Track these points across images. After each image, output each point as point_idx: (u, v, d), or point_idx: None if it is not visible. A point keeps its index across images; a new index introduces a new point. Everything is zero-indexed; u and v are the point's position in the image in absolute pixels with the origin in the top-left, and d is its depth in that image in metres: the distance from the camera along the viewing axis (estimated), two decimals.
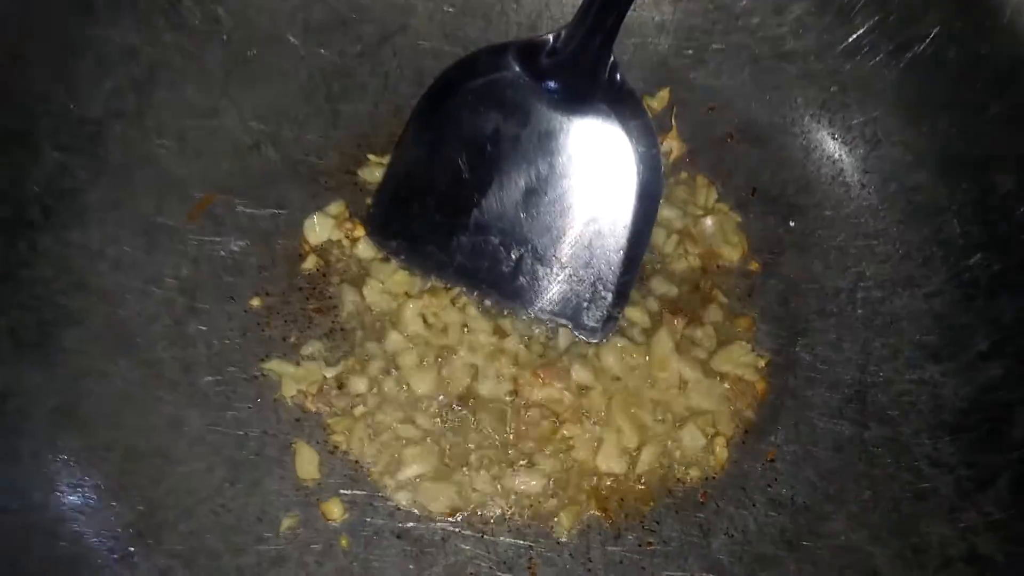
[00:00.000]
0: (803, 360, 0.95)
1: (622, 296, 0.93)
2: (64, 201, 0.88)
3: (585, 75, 0.88)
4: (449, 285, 0.94)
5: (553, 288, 0.93)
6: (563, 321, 0.93)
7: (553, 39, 0.88)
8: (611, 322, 0.93)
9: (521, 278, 0.93)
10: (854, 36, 1.00)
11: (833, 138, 1.04)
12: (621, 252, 0.92)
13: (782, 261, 1.00)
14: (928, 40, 0.95)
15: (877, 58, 1.00)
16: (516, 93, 0.90)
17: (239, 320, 0.92)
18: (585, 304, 0.93)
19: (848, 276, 0.99)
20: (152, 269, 0.91)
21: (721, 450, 0.90)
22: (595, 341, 0.93)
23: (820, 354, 0.95)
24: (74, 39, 0.90)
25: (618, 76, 0.88)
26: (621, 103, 0.90)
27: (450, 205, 0.93)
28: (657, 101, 1.06)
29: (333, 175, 1.00)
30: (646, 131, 0.91)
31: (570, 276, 0.93)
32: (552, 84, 0.89)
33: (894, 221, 0.99)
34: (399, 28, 1.05)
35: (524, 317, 0.94)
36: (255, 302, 0.93)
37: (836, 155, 1.03)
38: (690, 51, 1.07)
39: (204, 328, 0.90)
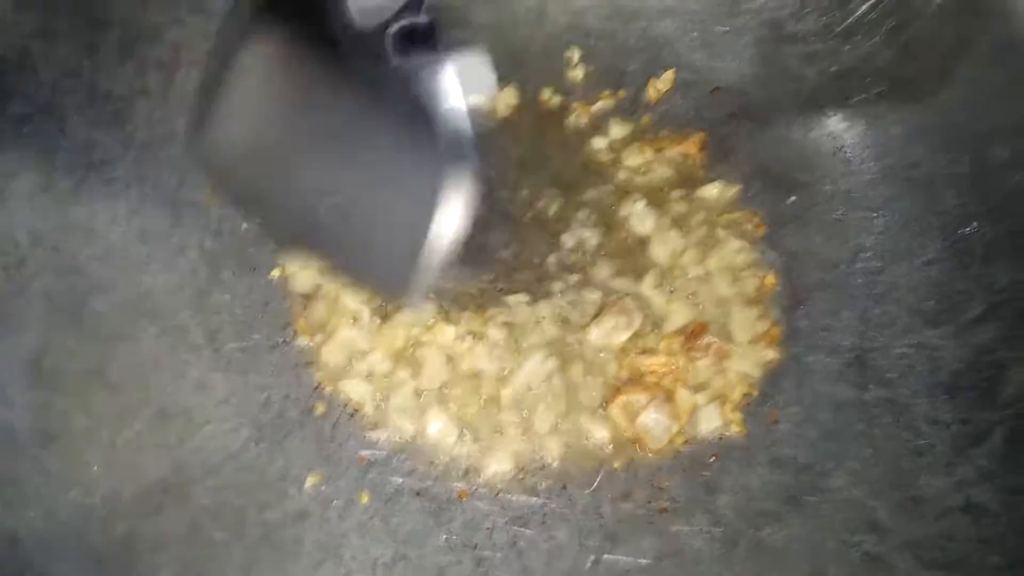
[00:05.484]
0: (803, 328, 0.98)
1: None
2: (93, 173, 0.92)
3: None
4: None
5: None
6: None
7: None
8: None
9: None
10: (852, 17, 1.03)
11: (833, 116, 1.06)
12: None
13: (783, 234, 1.03)
14: (925, 18, 0.98)
15: (875, 38, 1.02)
16: None
17: (261, 291, 0.95)
18: None
19: (847, 248, 1.01)
20: (177, 240, 0.95)
21: (735, 414, 0.93)
22: None
23: (820, 322, 0.98)
24: (99, 17, 0.93)
25: None
26: None
27: None
28: (663, 82, 1.09)
29: None
30: None
31: None
32: None
33: (892, 194, 1.02)
34: None
35: None
36: (276, 273, 0.96)
37: (836, 132, 1.06)
38: (695, 34, 1.10)
39: (228, 297, 0.94)
